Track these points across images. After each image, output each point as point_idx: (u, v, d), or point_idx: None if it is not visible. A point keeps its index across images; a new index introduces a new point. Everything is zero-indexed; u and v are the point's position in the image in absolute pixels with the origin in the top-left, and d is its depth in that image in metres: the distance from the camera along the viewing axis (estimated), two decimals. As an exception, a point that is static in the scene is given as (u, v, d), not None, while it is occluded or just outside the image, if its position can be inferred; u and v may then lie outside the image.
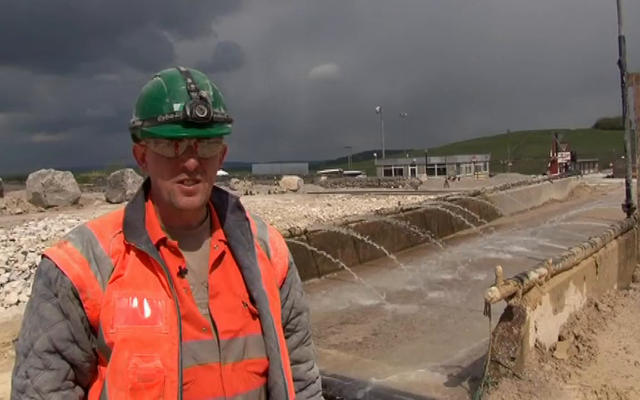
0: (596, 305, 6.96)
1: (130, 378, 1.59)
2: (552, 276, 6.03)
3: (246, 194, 32.08)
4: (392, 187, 39.65)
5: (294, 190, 34.05)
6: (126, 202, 1.87)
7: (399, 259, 11.20)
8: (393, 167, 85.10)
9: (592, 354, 5.73)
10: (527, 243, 13.76)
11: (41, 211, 21.75)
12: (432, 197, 19.24)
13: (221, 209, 1.89)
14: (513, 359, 5.09)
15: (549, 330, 5.77)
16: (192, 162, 1.67)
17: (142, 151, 1.76)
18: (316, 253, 10.66)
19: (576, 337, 5.97)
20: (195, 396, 1.65)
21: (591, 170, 67.36)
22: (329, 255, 10.70)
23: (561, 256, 6.52)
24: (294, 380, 1.94)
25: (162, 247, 1.72)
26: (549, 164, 48.86)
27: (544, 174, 39.80)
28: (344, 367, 6.27)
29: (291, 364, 1.91)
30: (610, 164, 55.65)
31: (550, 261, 6.09)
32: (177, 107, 1.64)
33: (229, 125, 1.73)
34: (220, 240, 1.82)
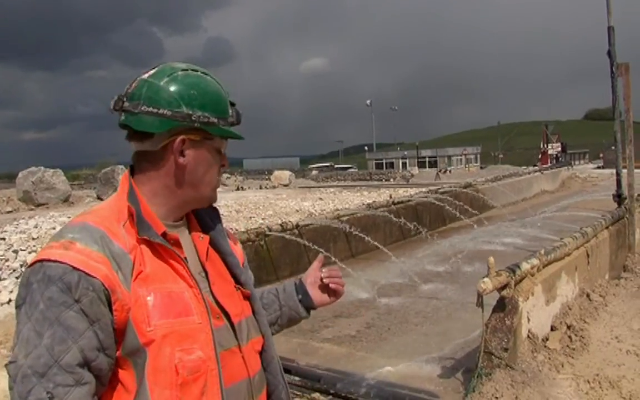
0: (588, 295, 6.98)
1: (180, 373, 1.58)
2: (544, 267, 6.05)
3: (237, 189, 32.01)
4: (384, 180, 39.67)
5: (286, 185, 33.99)
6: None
7: (392, 252, 11.21)
8: (384, 161, 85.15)
9: (585, 344, 5.74)
10: (518, 234, 13.79)
11: (32, 209, 21.63)
12: (423, 189, 19.26)
13: None
14: (506, 349, 5.10)
15: (542, 320, 5.79)
16: (227, 160, 1.84)
17: (181, 145, 1.73)
18: (308, 247, 10.65)
19: (568, 327, 5.99)
20: (229, 380, 1.67)
21: (581, 161, 67.63)
22: (321, 249, 10.67)
23: (553, 247, 6.53)
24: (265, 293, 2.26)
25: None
26: (540, 156, 49.03)
27: (535, 166, 39.94)
28: (337, 361, 6.27)
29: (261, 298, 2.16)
30: (600, 155, 55.83)
31: (542, 252, 6.11)
32: (230, 111, 1.78)
33: None
34: (200, 232, 1.86)
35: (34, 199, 23.03)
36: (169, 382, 1.56)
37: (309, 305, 2.29)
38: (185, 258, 1.72)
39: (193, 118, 1.69)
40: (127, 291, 1.58)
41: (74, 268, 1.52)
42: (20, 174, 23.80)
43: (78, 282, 1.51)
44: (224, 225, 2.01)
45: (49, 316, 1.49)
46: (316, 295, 2.29)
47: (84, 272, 1.52)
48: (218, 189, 1.85)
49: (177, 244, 1.72)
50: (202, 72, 1.75)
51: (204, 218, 1.89)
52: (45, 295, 1.50)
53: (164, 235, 1.70)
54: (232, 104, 1.79)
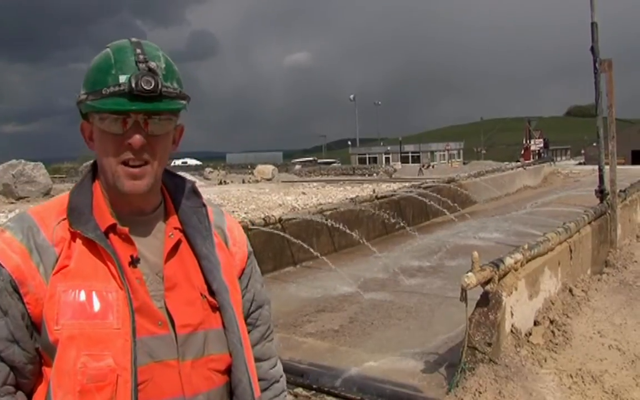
0: (570, 290, 7.00)
1: (78, 379, 1.44)
2: (527, 262, 6.06)
3: (220, 183, 31.92)
4: (367, 175, 39.67)
5: (269, 179, 33.92)
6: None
7: (375, 247, 11.23)
8: (367, 156, 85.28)
9: (567, 338, 5.76)
10: (501, 229, 13.86)
11: (12, 203, 21.46)
12: (406, 184, 19.30)
13: (176, 195, 1.76)
14: (489, 344, 5.10)
15: (525, 315, 5.79)
16: (138, 139, 1.53)
17: (90, 128, 1.61)
18: (291, 241, 10.63)
19: (551, 322, 6.00)
20: (151, 396, 1.51)
21: (563, 158, 68.07)
22: (304, 244, 10.67)
23: (536, 242, 6.55)
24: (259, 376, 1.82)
25: (111, 235, 1.58)
26: (522, 151, 49.29)
27: (518, 161, 40.16)
28: (320, 356, 6.25)
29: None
30: (582, 151, 56.29)
31: (526, 247, 6.12)
32: (123, 78, 1.51)
33: (183, 102, 1.60)
34: (175, 228, 1.69)
35: (14, 192, 22.82)
36: (72, 387, 1.45)
37: None
38: (136, 257, 1.58)
39: (76, 99, 1.60)
40: (45, 284, 1.50)
41: None
42: (0, 167, 23.56)
43: None
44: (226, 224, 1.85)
45: None
46: None
47: None
48: (134, 181, 1.57)
49: (126, 238, 1.59)
50: (117, 44, 1.59)
51: (188, 214, 1.73)
52: None
53: (113, 228, 1.58)
54: (150, 69, 1.52)
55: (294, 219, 11.33)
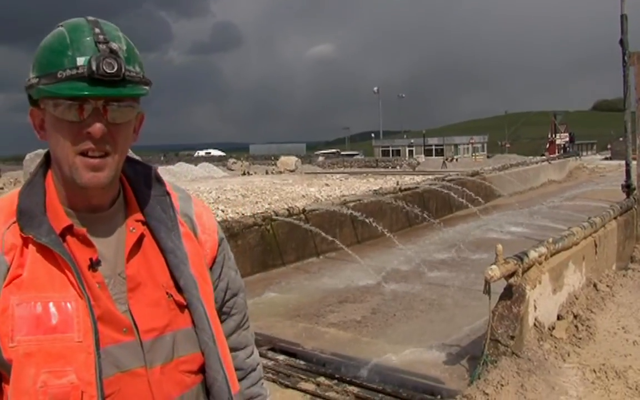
0: (595, 285, 6.96)
1: (40, 399, 1.31)
2: (551, 255, 6.03)
3: (244, 174, 32.04)
4: (390, 167, 39.57)
5: (292, 171, 33.96)
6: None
7: (398, 239, 11.22)
8: (391, 148, 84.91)
9: (591, 333, 5.73)
10: (525, 223, 13.77)
11: (38, 190, 21.82)
12: (430, 177, 19.22)
13: (136, 184, 1.59)
14: (512, 337, 5.09)
15: (548, 309, 5.77)
16: (98, 127, 1.36)
17: (41, 116, 1.44)
18: (314, 232, 10.67)
19: (575, 317, 5.97)
20: None
21: (589, 152, 67.25)
22: (327, 235, 10.70)
23: (561, 236, 6.51)
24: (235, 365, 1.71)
25: (68, 237, 1.43)
26: (547, 145, 48.85)
27: (542, 155, 39.79)
28: (342, 346, 6.28)
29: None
30: (609, 146, 55.57)
31: (551, 240, 6.08)
32: (81, 61, 1.34)
33: (146, 87, 1.44)
34: (137, 221, 1.53)
35: (24, 182, 23.18)
36: None
37: None
38: (96, 259, 1.43)
39: (25, 84, 1.44)
40: None
41: None
42: (27, 156, 23.80)
43: None
44: (211, 211, 1.73)
45: None
46: None
47: None
48: (94, 173, 1.41)
49: (84, 240, 1.43)
50: (72, 23, 1.42)
51: (151, 204, 1.57)
52: None
53: (70, 230, 1.43)
54: (112, 51, 1.36)
55: (317, 210, 11.37)
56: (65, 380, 1.32)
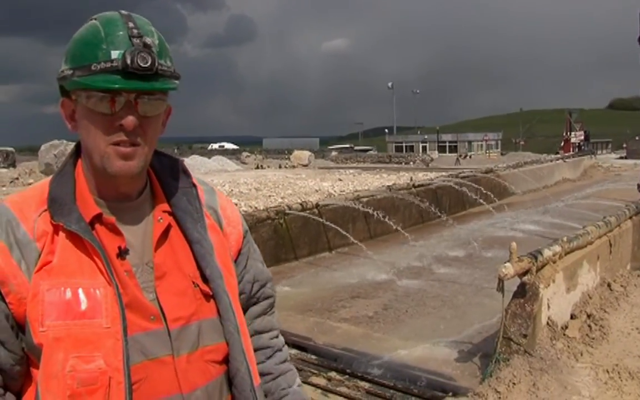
0: (609, 285, 6.92)
1: (68, 383, 1.33)
2: (565, 254, 6.00)
3: (257, 167, 32.07)
4: (403, 163, 39.47)
5: (305, 165, 33.96)
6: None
7: (411, 235, 11.20)
8: (404, 144, 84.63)
9: (604, 333, 5.70)
10: (539, 221, 13.71)
11: (54, 181, 21.93)
12: (443, 174, 19.18)
13: (163, 176, 1.62)
14: (525, 336, 5.08)
15: (562, 308, 5.75)
16: (130, 120, 1.39)
17: (72, 107, 1.46)
18: (328, 227, 10.68)
19: (588, 316, 5.94)
20: (146, 396, 1.41)
21: (604, 151, 66.81)
22: (340, 230, 10.71)
23: (575, 235, 6.48)
24: (259, 349, 1.73)
25: (97, 225, 1.45)
26: (562, 143, 48.58)
27: (557, 153, 39.59)
28: (354, 341, 6.28)
29: (253, 335, 1.71)
30: (624, 145, 55.16)
31: (565, 239, 6.06)
32: (115, 54, 1.36)
33: (176, 81, 1.47)
34: (164, 212, 1.56)
35: (55, 172, 23.30)
36: (61, 392, 1.34)
37: None
38: (125, 248, 1.46)
39: (58, 75, 1.46)
40: (28, 282, 1.38)
41: None
42: (42, 147, 24.01)
43: None
44: (227, 204, 1.74)
45: None
46: None
47: None
48: (125, 161, 1.43)
49: (113, 228, 1.46)
50: (106, 17, 1.44)
51: (178, 196, 1.60)
52: None
53: (99, 218, 1.46)
54: (146, 45, 1.39)
55: (330, 204, 11.38)
56: (94, 366, 1.35)
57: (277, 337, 1.82)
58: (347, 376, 5.49)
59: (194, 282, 1.52)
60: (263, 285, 1.78)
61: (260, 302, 1.78)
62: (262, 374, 1.70)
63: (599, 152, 56.16)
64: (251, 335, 1.70)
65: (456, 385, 5.14)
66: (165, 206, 1.57)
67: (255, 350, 1.71)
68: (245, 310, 1.71)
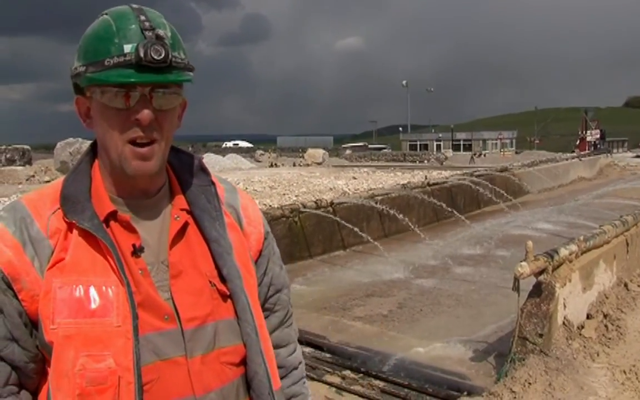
0: (626, 285, 6.86)
1: (77, 382, 1.32)
2: (582, 254, 5.96)
3: (271, 166, 32.11)
4: (418, 161, 39.36)
5: (319, 163, 33.93)
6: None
7: (425, 233, 11.18)
8: (418, 142, 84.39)
9: (621, 334, 5.65)
10: (555, 220, 13.63)
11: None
12: (458, 172, 19.11)
13: (181, 173, 1.59)
14: (541, 335, 5.05)
15: (578, 308, 5.71)
16: (146, 114, 1.37)
17: (87, 104, 1.46)
18: (342, 225, 10.67)
19: (605, 316, 5.90)
20: (158, 397, 1.38)
21: (620, 150, 66.29)
22: (354, 228, 10.70)
23: (592, 234, 6.43)
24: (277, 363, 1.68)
25: (112, 223, 1.44)
26: (578, 142, 48.27)
27: (572, 152, 39.34)
28: (368, 340, 6.27)
29: None
30: (640, 144, 54.73)
31: (581, 238, 6.01)
32: (128, 48, 1.34)
33: (190, 73, 1.44)
34: (182, 210, 1.53)
35: (70, 169, 23.44)
36: (71, 391, 1.33)
37: None
38: (139, 246, 1.44)
39: (71, 73, 1.45)
40: (41, 279, 1.37)
41: None
42: (58, 145, 24.15)
43: None
44: (247, 202, 1.71)
45: None
46: None
47: None
48: (142, 162, 1.42)
49: (128, 226, 1.44)
50: (117, 11, 1.43)
51: (196, 193, 1.57)
52: None
53: (113, 216, 1.44)
54: (158, 37, 1.37)
55: (345, 203, 11.37)
56: (103, 365, 1.33)
57: (293, 352, 1.77)
58: (361, 375, 5.49)
59: (210, 282, 1.49)
60: (279, 289, 1.73)
61: (276, 311, 1.73)
62: None
63: (615, 150, 55.71)
64: None
65: (471, 384, 5.12)
66: (183, 204, 1.54)
67: None
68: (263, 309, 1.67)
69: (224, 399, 1.48)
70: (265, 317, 1.65)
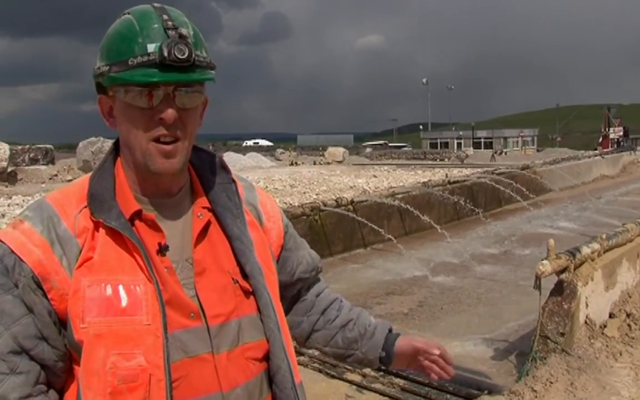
0: (649, 284, 6.79)
1: (109, 380, 1.33)
2: (604, 252, 5.90)
3: (291, 164, 32.14)
4: (438, 160, 39.20)
5: (339, 162, 33.89)
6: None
7: (446, 232, 11.14)
8: (439, 140, 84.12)
9: (644, 333, 5.60)
10: (577, 218, 13.54)
11: (91, 178, 22.24)
12: (479, 170, 19.03)
13: (202, 171, 1.61)
14: (562, 334, 5.02)
15: (600, 307, 5.66)
16: (170, 113, 1.39)
17: (110, 103, 1.48)
18: (362, 224, 10.68)
19: (628, 315, 5.84)
20: (186, 394, 1.40)
21: (644, 147, 65.57)
22: (375, 226, 10.70)
23: (615, 232, 6.37)
24: (329, 306, 1.90)
25: (137, 222, 1.46)
26: (600, 139, 47.82)
27: (595, 150, 38.97)
28: (389, 338, 6.26)
29: (315, 298, 1.90)
30: (664, 141, 54.07)
31: (604, 236, 5.96)
32: (151, 47, 1.36)
33: (213, 72, 1.47)
34: (204, 208, 1.55)
35: (93, 168, 23.61)
36: (102, 389, 1.34)
37: (386, 364, 1.92)
38: (165, 244, 1.46)
39: (94, 72, 1.47)
40: (69, 278, 1.39)
41: (12, 250, 1.39)
42: (80, 144, 24.35)
43: (14, 266, 1.38)
44: (267, 200, 1.75)
45: None
46: (402, 361, 1.92)
47: (18, 256, 1.38)
48: (167, 160, 1.44)
49: (153, 225, 1.46)
50: (139, 10, 1.44)
51: (217, 191, 1.59)
52: None
53: (138, 215, 1.46)
54: (182, 36, 1.38)
55: (365, 201, 11.38)
56: (134, 363, 1.35)
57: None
58: (382, 373, 5.48)
59: (233, 279, 1.52)
60: (317, 270, 1.92)
61: (318, 281, 1.95)
62: (343, 325, 1.88)
63: (639, 148, 55.16)
64: (312, 300, 1.88)
65: (492, 383, 5.10)
66: (204, 202, 1.56)
67: (325, 309, 1.89)
68: (301, 293, 1.88)
69: (249, 393, 1.50)
70: (309, 287, 1.90)
